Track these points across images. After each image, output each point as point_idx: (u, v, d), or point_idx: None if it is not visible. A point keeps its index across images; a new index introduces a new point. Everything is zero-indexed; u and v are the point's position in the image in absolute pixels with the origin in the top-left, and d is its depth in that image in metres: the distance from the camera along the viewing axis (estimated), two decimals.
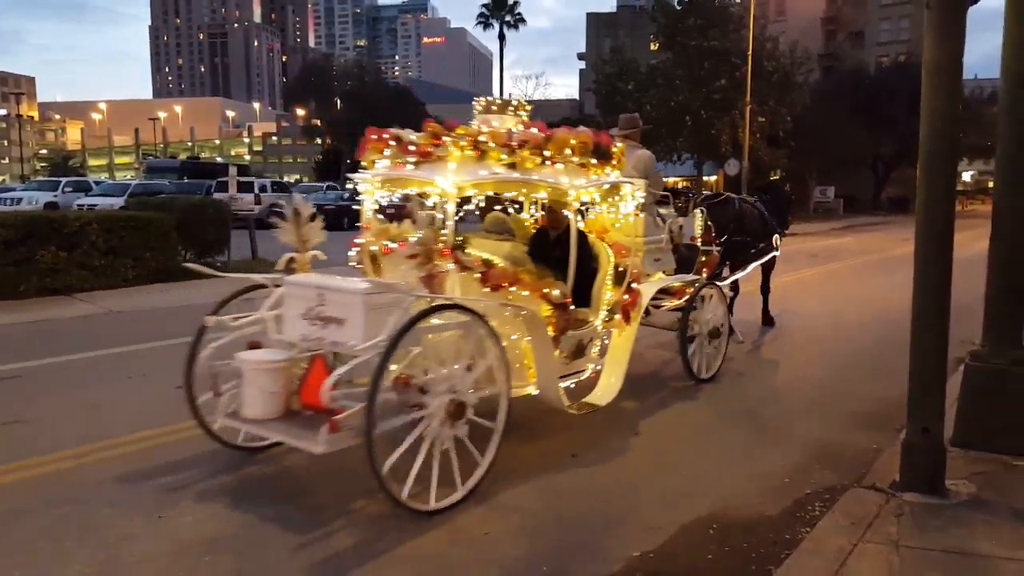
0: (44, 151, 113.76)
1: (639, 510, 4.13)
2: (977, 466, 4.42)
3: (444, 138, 4.79)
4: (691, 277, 7.37)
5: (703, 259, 7.97)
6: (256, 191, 27.74)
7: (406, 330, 3.87)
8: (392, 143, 5.06)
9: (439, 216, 5.11)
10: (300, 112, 77.36)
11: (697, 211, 8.23)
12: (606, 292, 5.83)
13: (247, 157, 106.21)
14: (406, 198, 5.43)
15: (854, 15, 67.74)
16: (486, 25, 66.42)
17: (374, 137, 5.22)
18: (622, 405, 5.95)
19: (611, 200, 5.81)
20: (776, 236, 9.55)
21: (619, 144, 5.72)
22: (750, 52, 33.54)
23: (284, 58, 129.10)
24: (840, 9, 68.35)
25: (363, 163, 5.35)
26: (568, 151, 5.03)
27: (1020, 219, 4.62)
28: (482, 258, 4.83)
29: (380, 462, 3.71)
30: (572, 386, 5.51)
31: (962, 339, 6.15)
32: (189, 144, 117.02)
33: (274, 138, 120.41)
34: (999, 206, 4.72)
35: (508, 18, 65.96)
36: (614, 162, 5.56)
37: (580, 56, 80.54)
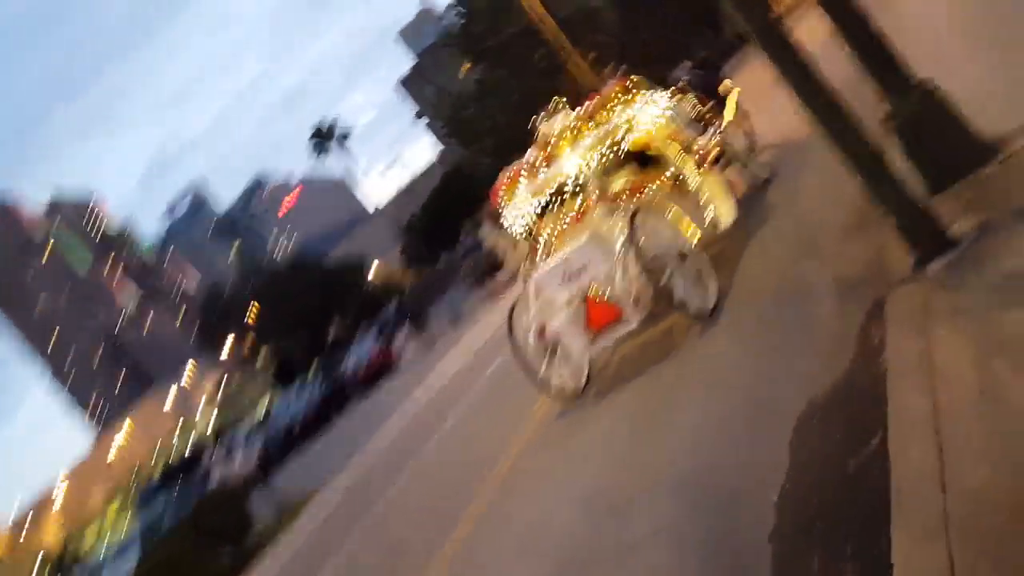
0: None
1: None
2: (959, 199, 4.53)
3: (549, 142, 7.59)
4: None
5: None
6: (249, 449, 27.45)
7: (633, 234, 6.33)
8: (523, 171, 7.80)
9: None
10: (226, 352, 76.54)
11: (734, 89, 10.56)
12: (686, 162, 7.81)
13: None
14: (559, 189, 7.75)
15: None
16: (321, 153, 67.19)
17: (507, 177, 7.97)
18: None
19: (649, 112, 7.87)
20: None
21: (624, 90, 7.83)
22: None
23: (180, 320, 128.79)
24: None
25: (502, 203, 7.99)
26: (614, 99, 7.56)
27: None
28: (623, 185, 7.59)
29: (666, 294, 6.35)
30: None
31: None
32: None
33: (221, 392, 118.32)
34: None
35: (336, 135, 66.92)
36: (635, 92, 7.73)
37: (419, 115, 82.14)
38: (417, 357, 28.55)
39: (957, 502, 2.56)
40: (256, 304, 62.19)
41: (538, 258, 7.67)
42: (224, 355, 77.60)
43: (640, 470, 5.09)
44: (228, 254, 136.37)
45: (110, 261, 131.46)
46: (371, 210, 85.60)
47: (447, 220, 54.45)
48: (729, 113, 10.26)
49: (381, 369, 30.94)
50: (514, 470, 6.99)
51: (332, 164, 68.96)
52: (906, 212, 4.23)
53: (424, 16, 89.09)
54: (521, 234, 8.16)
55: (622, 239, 6.58)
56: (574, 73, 39.17)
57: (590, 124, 7.54)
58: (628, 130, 7.53)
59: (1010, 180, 4.25)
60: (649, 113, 7.78)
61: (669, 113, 8.06)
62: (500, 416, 9.62)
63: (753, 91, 11.90)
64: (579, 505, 5.22)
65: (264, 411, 46.80)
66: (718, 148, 8.67)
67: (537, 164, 7.71)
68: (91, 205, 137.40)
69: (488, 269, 32.32)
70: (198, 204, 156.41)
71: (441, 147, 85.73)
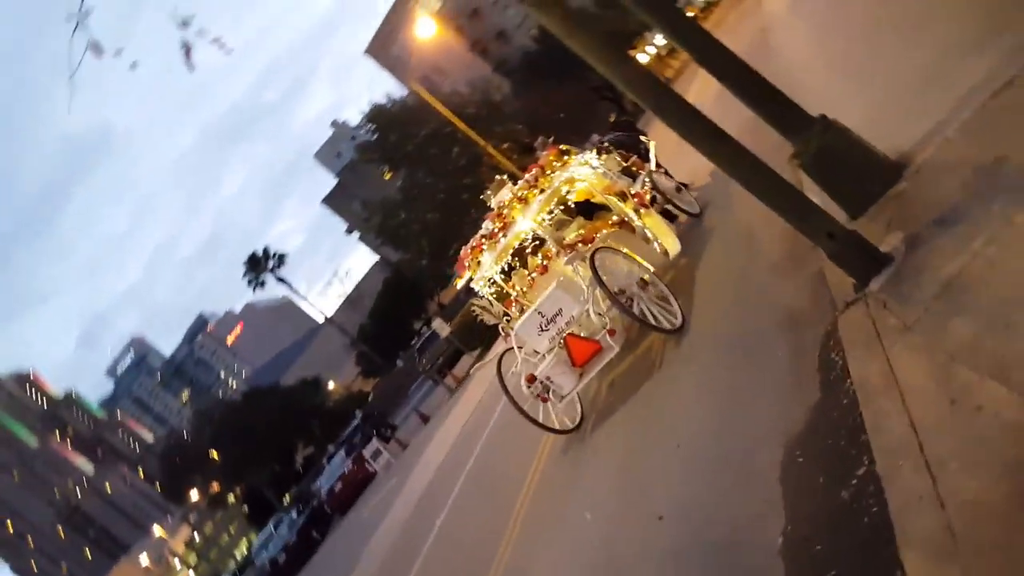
0: None
1: None
2: (880, 219, 4.73)
3: (502, 212, 8.53)
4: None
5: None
6: None
7: (596, 273, 7.25)
8: (482, 244, 8.70)
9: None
10: (195, 498, 73.41)
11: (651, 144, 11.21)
12: (627, 207, 8.71)
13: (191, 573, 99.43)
14: (519, 251, 8.90)
15: (483, 27, 73.10)
16: (257, 286, 66.35)
17: (468, 250, 8.87)
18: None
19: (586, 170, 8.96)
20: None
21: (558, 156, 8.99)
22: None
23: (142, 475, 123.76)
24: (470, 33, 73.55)
25: (468, 274, 8.94)
26: (554, 163, 8.68)
27: None
28: (576, 235, 8.55)
29: (639, 317, 7.30)
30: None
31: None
32: None
33: (197, 541, 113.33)
34: None
35: (271, 266, 66.32)
36: (568, 156, 8.94)
37: (349, 231, 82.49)
38: (393, 465, 27.85)
39: (959, 518, 2.56)
40: (215, 450, 60.21)
41: (513, 314, 8.70)
42: (194, 503, 74.52)
43: (640, 533, 5.00)
44: (180, 399, 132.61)
45: (59, 430, 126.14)
46: (320, 320, 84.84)
47: (396, 322, 54.32)
48: (651, 162, 11.03)
49: (361, 484, 30.02)
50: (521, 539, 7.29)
51: (272, 290, 68.15)
52: (834, 239, 4.38)
53: (338, 134, 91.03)
54: (493, 296, 8.98)
55: (587, 280, 7.56)
56: (493, 162, 40.52)
57: (535, 190, 8.52)
58: (569, 188, 8.70)
59: (922, 192, 4.46)
60: (583, 171, 8.76)
61: (601, 169, 8.95)
62: (493, 494, 9.51)
63: (670, 141, 12.50)
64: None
65: (245, 552, 44.59)
66: (649, 192, 9.37)
67: (495, 232, 8.63)
68: (30, 376, 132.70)
69: (446, 361, 32.11)
70: (140, 356, 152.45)
71: (377, 256, 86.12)
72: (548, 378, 7.72)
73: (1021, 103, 4.23)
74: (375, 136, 44.00)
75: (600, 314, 7.57)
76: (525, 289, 8.73)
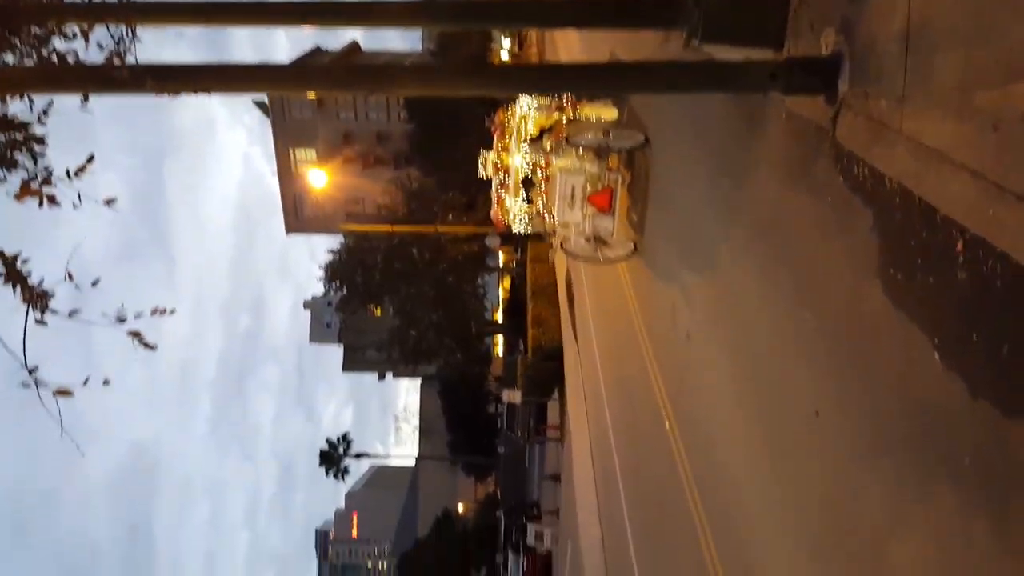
0: None
1: None
2: (800, 36, 4.58)
3: (497, 166, 11.93)
4: None
5: None
6: None
7: (571, 143, 10.27)
8: (501, 195, 12.06)
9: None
10: None
11: None
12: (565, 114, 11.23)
13: None
14: (525, 181, 11.33)
15: (362, 140, 72.74)
16: (342, 474, 65.02)
17: (496, 207, 12.65)
18: None
19: None
20: None
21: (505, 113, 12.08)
22: None
23: None
24: (357, 153, 72.87)
25: (505, 221, 12.40)
26: (505, 118, 11.88)
27: None
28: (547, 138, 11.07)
29: (617, 149, 10.48)
30: None
31: None
32: None
33: None
34: None
35: (342, 451, 65.43)
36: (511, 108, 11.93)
37: (381, 377, 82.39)
38: (559, 533, 27.40)
39: None
40: None
41: (548, 220, 11.33)
42: None
43: (803, 433, 4.75)
44: None
45: None
46: (412, 464, 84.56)
47: (473, 420, 54.28)
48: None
49: (545, 569, 29.55)
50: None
51: (357, 469, 67.46)
52: (778, 75, 4.23)
53: (315, 311, 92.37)
54: (529, 220, 11.69)
55: (571, 155, 10.36)
56: (451, 235, 40.92)
57: (505, 139, 11.67)
58: (524, 123, 11.26)
59: None
60: (527, 109, 11.30)
61: (535, 104, 11.35)
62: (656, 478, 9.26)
63: None
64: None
65: None
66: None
67: (503, 181, 11.71)
68: None
69: (536, 419, 31.83)
70: None
71: (418, 379, 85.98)
72: (595, 229, 10.62)
73: None
74: (343, 289, 44.63)
75: (596, 168, 10.29)
76: (545, 200, 11.07)
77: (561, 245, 11.75)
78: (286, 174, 61.39)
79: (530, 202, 11.35)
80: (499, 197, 12.08)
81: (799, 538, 4.89)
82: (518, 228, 12.24)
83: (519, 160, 11.22)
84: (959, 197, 3.00)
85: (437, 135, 43.40)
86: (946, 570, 3.30)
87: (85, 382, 3.87)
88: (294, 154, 59.96)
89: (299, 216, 68.90)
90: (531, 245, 33.70)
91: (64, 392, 3.72)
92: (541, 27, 5.73)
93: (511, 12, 5.16)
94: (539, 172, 11.14)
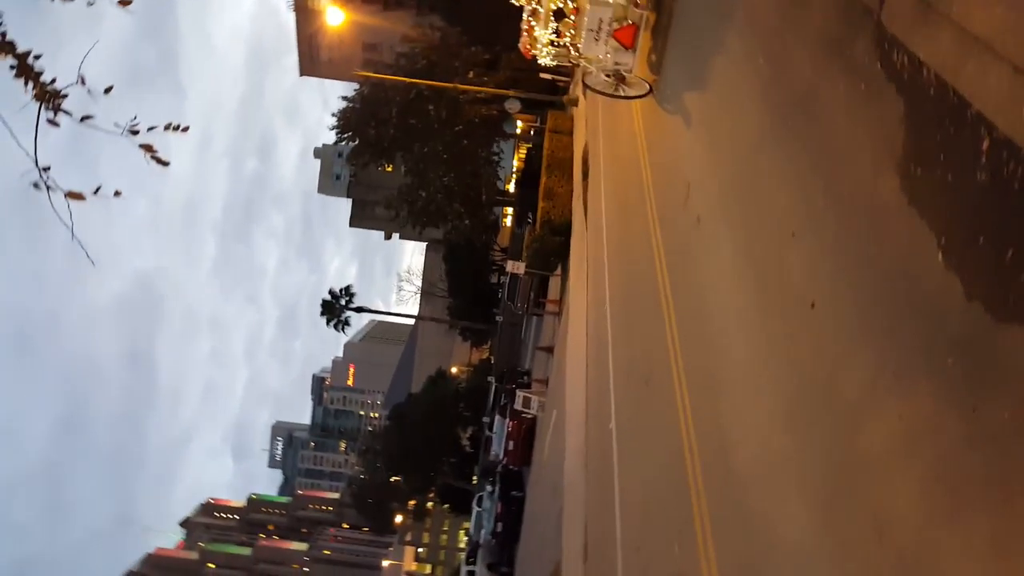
0: None
1: None
2: None
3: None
4: None
5: None
6: None
7: None
8: (531, 23, 12.30)
9: None
10: (400, 521, 76.62)
11: None
12: None
13: None
14: (558, 13, 11.33)
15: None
16: (342, 325, 65.69)
17: (525, 36, 12.84)
18: None
19: None
20: None
21: None
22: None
23: (347, 527, 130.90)
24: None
25: (533, 52, 12.63)
26: None
27: None
28: None
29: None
30: None
31: None
32: None
33: (423, 552, 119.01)
34: None
35: (344, 303, 65.97)
36: None
37: (387, 236, 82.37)
38: (546, 402, 28.40)
39: None
40: (394, 474, 62.73)
41: (573, 49, 11.47)
42: (402, 525, 78.23)
43: (798, 322, 4.84)
44: (340, 451, 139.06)
45: (261, 531, 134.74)
46: (412, 322, 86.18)
47: (475, 286, 54.81)
48: None
49: (528, 434, 30.82)
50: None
51: (358, 322, 68.67)
52: None
53: (325, 160, 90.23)
54: (557, 53, 11.96)
55: None
56: (470, 95, 39.38)
57: None
58: None
59: None
60: None
61: None
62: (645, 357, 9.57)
63: None
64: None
65: (466, 539, 46.97)
66: None
67: (534, 9, 11.94)
68: (211, 503, 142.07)
69: (537, 293, 32.16)
70: (287, 436, 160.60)
71: (424, 243, 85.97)
72: (616, 64, 10.86)
73: None
74: (355, 141, 43.34)
75: (624, 2, 10.53)
76: (572, 32, 11.25)
77: (583, 80, 12.18)
78: (303, 9, 58.93)
79: (558, 34, 11.62)
80: (529, 25, 12.34)
81: (774, 414, 5.09)
82: (544, 59, 12.58)
83: None
84: (995, 92, 2.91)
85: None
86: (913, 453, 3.45)
87: (96, 191, 3.87)
88: None
89: (314, 59, 66.82)
90: (551, 115, 32.93)
91: (76, 195, 3.71)
92: None
93: None
94: (570, 2, 11.31)
